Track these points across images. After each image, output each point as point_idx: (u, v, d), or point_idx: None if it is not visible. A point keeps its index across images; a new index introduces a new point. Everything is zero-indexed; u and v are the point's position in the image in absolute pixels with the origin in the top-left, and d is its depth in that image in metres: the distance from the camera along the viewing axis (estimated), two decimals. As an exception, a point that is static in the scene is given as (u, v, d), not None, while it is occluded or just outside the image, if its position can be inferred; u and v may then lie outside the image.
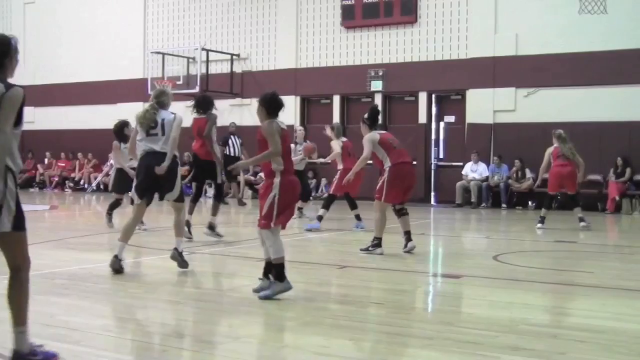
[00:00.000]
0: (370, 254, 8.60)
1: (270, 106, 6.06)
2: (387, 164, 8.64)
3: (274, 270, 5.92)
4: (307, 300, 5.89)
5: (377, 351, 4.60)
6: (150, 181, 7.36)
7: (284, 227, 6.12)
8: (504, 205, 17.49)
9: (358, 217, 11.97)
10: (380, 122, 9.17)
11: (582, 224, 12.19)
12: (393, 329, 5.09)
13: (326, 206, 11.84)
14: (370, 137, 8.74)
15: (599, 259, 9.13)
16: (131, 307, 5.93)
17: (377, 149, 8.70)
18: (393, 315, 5.57)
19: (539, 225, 12.42)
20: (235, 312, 5.69)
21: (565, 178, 12.37)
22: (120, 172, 11.23)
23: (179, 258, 7.35)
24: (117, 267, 7.14)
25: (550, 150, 12.53)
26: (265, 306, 5.74)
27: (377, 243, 8.67)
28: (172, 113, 7.56)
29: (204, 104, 10.30)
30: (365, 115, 8.97)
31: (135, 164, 8.28)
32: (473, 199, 17.78)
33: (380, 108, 19.03)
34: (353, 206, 12.04)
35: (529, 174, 17.44)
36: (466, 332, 4.94)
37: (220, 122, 20.89)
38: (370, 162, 9.13)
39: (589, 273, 7.63)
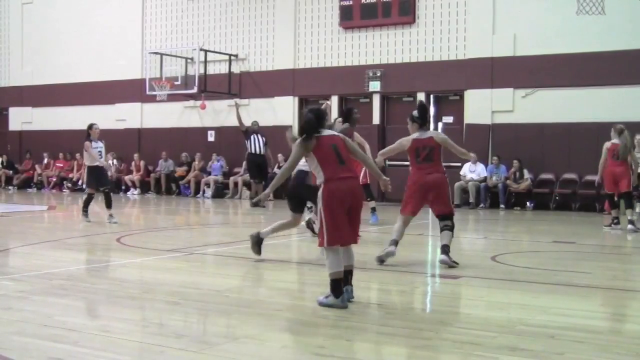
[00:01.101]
0: (386, 256, 7.96)
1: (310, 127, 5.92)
2: (410, 174, 8.14)
3: (330, 284, 5.67)
4: (304, 301, 5.89)
5: (375, 352, 4.60)
6: None
7: (349, 243, 5.84)
8: (502, 205, 17.49)
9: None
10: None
11: (630, 227, 12.03)
12: (391, 329, 5.09)
13: (371, 196, 12.32)
14: (400, 141, 8.12)
15: (596, 260, 9.12)
16: (129, 307, 5.92)
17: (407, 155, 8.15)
18: (391, 316, 5.56)
19: (613, 225, 12.33)
20: (233, 312, 5.69)
21: (618, 177, 12.23)
22: (91, 169, 12.20)
23: (254, 238, 8.19)
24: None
25: (607, 145, 12.25)
26: (264, 307, 5.74)
27: (393, 244, 8.00)
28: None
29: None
30: (415, 114, 8.07)
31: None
32: (471, 200, 17.79)
33: (378, 109, 19.43)
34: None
35: (527, 174, 17.45)
36: (464, 332, 4.95)
37: (224, 122, 21.29)
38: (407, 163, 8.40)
39: (586, 273, 7.62)
